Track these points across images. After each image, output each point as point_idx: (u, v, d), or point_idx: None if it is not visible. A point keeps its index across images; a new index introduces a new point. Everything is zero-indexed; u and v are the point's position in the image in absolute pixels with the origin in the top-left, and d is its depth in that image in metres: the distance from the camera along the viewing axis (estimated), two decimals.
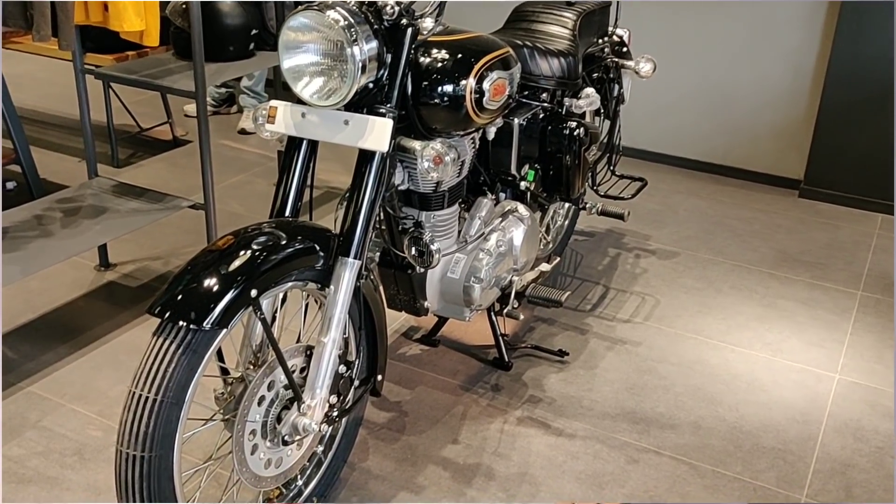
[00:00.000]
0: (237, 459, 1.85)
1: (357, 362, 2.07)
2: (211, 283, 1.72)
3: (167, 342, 1.69)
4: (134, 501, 1.68)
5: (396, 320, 3.10)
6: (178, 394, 1.68)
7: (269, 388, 1.91)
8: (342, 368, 2.01)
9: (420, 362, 2.91)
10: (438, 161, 2.05)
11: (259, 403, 1.89)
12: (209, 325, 1.68)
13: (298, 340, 2.08)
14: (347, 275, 1.95)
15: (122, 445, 1.67)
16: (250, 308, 1.77)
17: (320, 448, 2.20)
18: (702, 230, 3.97)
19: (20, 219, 2.96)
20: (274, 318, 2.04)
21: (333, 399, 2.01)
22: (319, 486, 2.20)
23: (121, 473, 1.68)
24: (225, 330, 1.73)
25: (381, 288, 2.16)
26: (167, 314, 1.68)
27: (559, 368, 2.91)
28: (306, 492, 2.17)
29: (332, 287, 1.96)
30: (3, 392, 2.68)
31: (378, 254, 2.43)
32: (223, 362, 1.96)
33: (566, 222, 3.44)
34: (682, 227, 3.99)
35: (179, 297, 1.71)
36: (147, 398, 1.66)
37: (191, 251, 3.62)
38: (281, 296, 2.01)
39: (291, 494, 2.15)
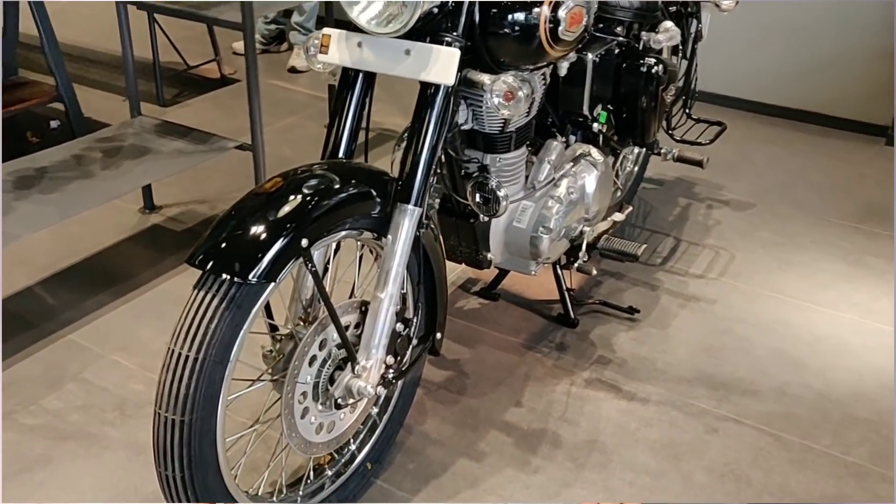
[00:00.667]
0: (286, 423, 1.69)
1: (415, 320, 1.89)
2: (257, 231, 1.54)
3: (209, 296, 1.52)
4: (173, 469, 1.53)
5: (453, 272, 2.90)
6: (222, 352, 1.51)
7: (321, 346, 1.73)
8: (399, 326, 1.83)
9: (479, 318, 2.72)
10: (510, 97, 1.83)
11: (310, 363, 1.72)
12: (255, 279, 1.50)
13: (352, 295, 1.90)
14: (406, 223, 1.76)
15: (161, 408, 1.51)
16: (300, 259, 1.59)
17: (375, 410, 2.03)
18: (780, 181, 3.70)
19: (58, 159, 2.81)
20: (326, 270, 1.86)
21: (390, 360, 1.82)
22: (374, 451, 2.04)
23: (159, 438, 1.52)
24: (273, 283, 1.56)
25: (440, 240, 1.96)
26: (209, 265, 1.51)
27: (629, 327, 2.70)
28: (360, 457, 2.01)
29: (389, 237, 1.76)
30: (43, 340, 2.56)
31: (438, 200, 2.22)
32: (271, 318, 1.79)
33: (636, 168, 3.20)
34: (759, 178, 3.72)
35: (223, 246, 1.53)
36: (188, 357, 1.49)
37: (238, 195, 3.44)
38: (333, 246, 1.83)
39: (344, 460, 1.99)
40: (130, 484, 2.06)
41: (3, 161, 2.77)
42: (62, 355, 2.50)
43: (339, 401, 1.76)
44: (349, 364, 1.75)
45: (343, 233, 1.71)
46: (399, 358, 1.86)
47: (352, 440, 2.00)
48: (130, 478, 2.08)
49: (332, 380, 1.77)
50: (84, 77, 4.58)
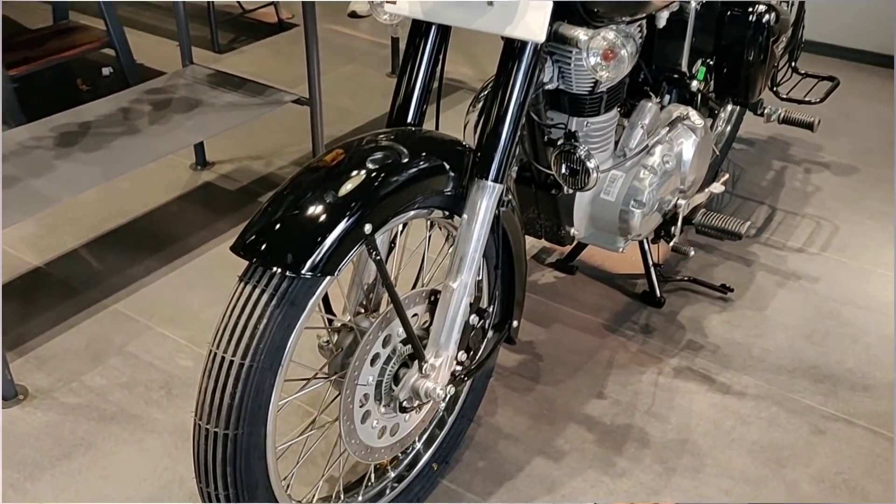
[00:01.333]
0: (344, 429, 1.49)
1: (491, 309, 1.66)
2: (314, 214, 1.32)
3: (257, 291, 1.30)
4: (216, 486, 1.33)
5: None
6: (272, 357, 1.31)
7: (385, 343, 1.52)
8: (473, 319, 1.60)
9: (556, 294, 2.48)
10: (610, 55, 1.56)
11: (372, 363, 1.50)
12: (311, 272, 1.28)
13: (418, 281, 1.67)
14: (485, 202, 1.52)
15: (202, 419, 1.31)
16: (362, 246, 1.36)
17: (442, 406, 1.81)
18: (886, 141, 3.35)
19: (104, 112, 2.62)
20: (391, 251, 1.64)
21: (462, 356, 1.60)
22: (441, 451, 1.83)
23: (200, 451, 1.33)
24: (330, 277, 1.33)
25: (519, 214, 1.72)
26: (257, 255, 1.29)
27: (721, 307, 2.43)
28: (426, 456, 1.80)
29: (464, 216, 1.53)
30: (87, 310, 2.40)
31: (516, 169, 1.98)
32: (328, 306, 1.58)
33: (728, 128, 2.89)
34: (862, 138, 3.37)
35: (273, 232, 1.31)
36: (232, 363, 1.29)
37: (295, 150, 3.24)
38: (399, 226, 1.60)
39: (408, 460, 1.79)
40: (176, 475, 1.89)
41: (49, 114, 2.59)
42: (107, 326, 2.34)
43: (405, 403, 1.55)
44: (416, 362, 1.53)
45: (411, 213, 1.48)
46: (472, 353, 1.63)
47: (417, 439, 1.79)
48: (176, 467, 1.91)
49: (396, 379, 1.56)
50: (137, 21, 4.38)
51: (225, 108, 2.70)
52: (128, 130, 2.55)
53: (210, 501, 1.36)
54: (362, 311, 1.62)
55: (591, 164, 1.77)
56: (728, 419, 2.06)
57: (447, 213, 1.56)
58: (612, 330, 2.34)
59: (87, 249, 2.68)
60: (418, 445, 1.80)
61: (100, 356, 2.23)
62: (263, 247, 1.29)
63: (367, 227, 1.34)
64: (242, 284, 1.32)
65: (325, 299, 1.56)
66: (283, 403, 1.44)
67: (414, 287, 1.66)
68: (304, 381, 1.53)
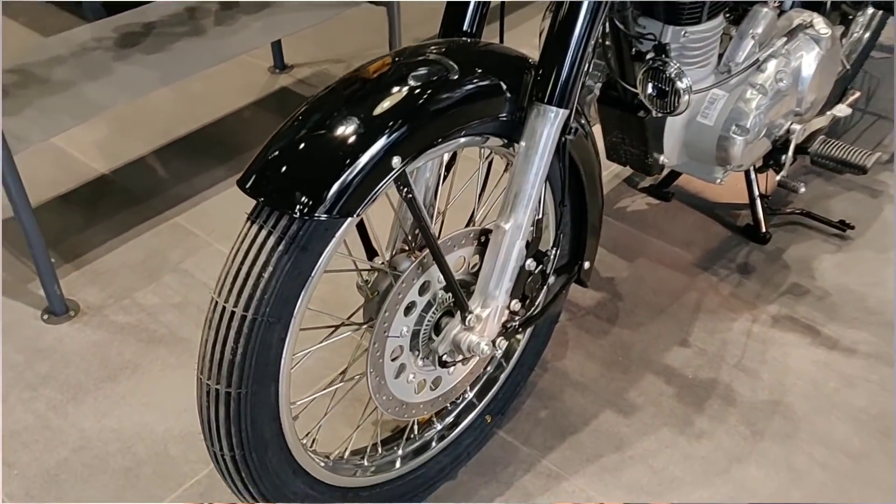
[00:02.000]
0: (373, 385, 1.32)
1: (554, 252, 1.44)
2: (331, 145, 1.12)
3: (263, 234, 1.13)
4: (220, 447, 1.20)
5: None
6: (280, 309, 1.14)
7: (423, 291, 1.33)
8: (530, 263, 1.39)
9: (644, 222, 2.22)
10: None
11: (407, 312, 1.32)
12: (325, 214, 1.09)
13: (471, 221, 1.46)
14: (545, 130, 1.28)
15: (203, 374, 1.17)
16: (390, 182, 1.16)
17: (499, 353, 1.63)
18: None
19: (169, 12, 2.46)
20: (442, 180, 1.43)
21: (516, 305, 1.40)
22: (496, 401, 1.66)
23: (202, 409, 1.19)
24: (350, 219, 1.14)
25: (593, 139, 1.47)
26: (264, 196, 1.11)
27: (837, 247, 2.13)
28: (479, 406, 1.63)
29: (521, 146, 1.30)
30: (147, 221, 2.30)
31: (599, 85, 1.71)
32: (368, 242, 1.39)
33: (866, 35, 2.50)
34: None
35: (282, 167, 1.12)
36: (233, 314, 1.13)
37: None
38: (446, 157, 1.39)
39: (458, 410, 1.62)
40: None
41: (110, 13, 2.46)
42: (165, 240, 2.24)
43: (445, 358, 1.37)
44: (458, 312, 1.34)
45: (460, 140, 1.26)
46: (529, 301, 1.43)
47: (468, 389, 1.62)
48: None
49: (437, 328, 1.38)
50: None
51: (297, 9, 2.50)
52: (193, 31, 2.39)
53: (216, 461, 1.23)
54: (406, 249, 1.43)
55: (682, 85, 1.50)
56: (831, 380, 1.80)
57: (505, 140, 1.33)
58: (704, 268, 2.08)
59: (156, 156, 2.57)
60: (470, 395, 1.62)
61: (155, 272, 2.14)
62: (270, 184, 1.11)
63: (396, 160, 1.14)
64: (249, 225, 1.15)
65: (365, 235, 1.38)
66: (302, 356, 1.29)
67: (468, 226, 1.45)
68: (331, 330, 1.36)
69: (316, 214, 1.09)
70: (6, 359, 1.91)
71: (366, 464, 1.47)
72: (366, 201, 1.14)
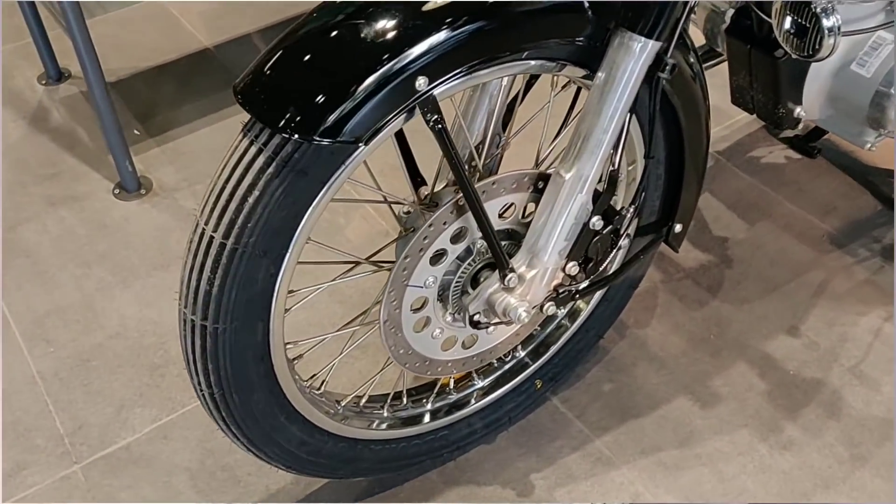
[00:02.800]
0: (386, 336, 1.14)
1: (631, 211, 1.19)
2: (342, 54, 0.91)
3: (252, 151, 0.95)
4: (199, 382, 1.06)
5: None
6: (268, 241, 0.97)
7: (457, 238, 1.12)
8: (596, 221, 1.15)
9: (777, 179, 1.90)
10: None
11: (435, 261, 1.12)
12: (324, 138, 0.90)
13: (538, 162, 1.22)
14: (629, 65, 1.03)
15: (181, 301, 1.02)
16: (416, 107, 0.95)
17: (561, 312, 1.41)
18: None
19: None
20: (511, 111, 1.20)
21: (573, 268, 1.18)
22: (551, 366, 1.45)
23: (181, 338, 1.05)
24: (362, 147, 0.94)
25: (702, 79, 1.20)
26: (255, 107, 0.92)
27: None
28: (530, 369, 1.43)
29: (600, 76, 1.05)
30: (236, 106, 2.17)
31: (731, 14, 1.41)
32: (413, 167, 1.19)
33: None
34: None
35: (282, 76, 0.92)
36: (212, 240, 0.97)
37: None
38: (505, 81, 1.15)
39: (505, 368, 1.42)
40: None
41: None
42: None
43: (476, 318, 1.17)
44: (498, 269, 1.13)
45: (517, 65, 1.02)
46: (592, 265, 1.20)
47: (519, 347, 1.42)
48: None
49: (475, 280, 1.18)
50: None
51: None
52: None
53: (198, 398, 1.09)
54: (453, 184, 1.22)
55: (827, 23, 1.18)
56: None
57: (588, 71, 1.09)
58: (840, 244, 1.76)
59: (261, 36, 2.43)
60: (521, 354, 1.42)
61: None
62: (264, 94, 0.92)
63: (421, 82, 0.92)
64: (240, 138, 0.97)
65: (410, 159, 1.18)
66: (308, 293, 1.12)
67: (537, 163, 1.22)
68: (350, 267, 1.18)
69: (312, 137, 0.90)
70: (72, 230, 1.85)
71: (385, 414, 1.31)
72: (379, 127, 0.93)
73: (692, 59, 1.17)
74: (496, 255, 1.11)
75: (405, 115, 0.95)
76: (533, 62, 1.04)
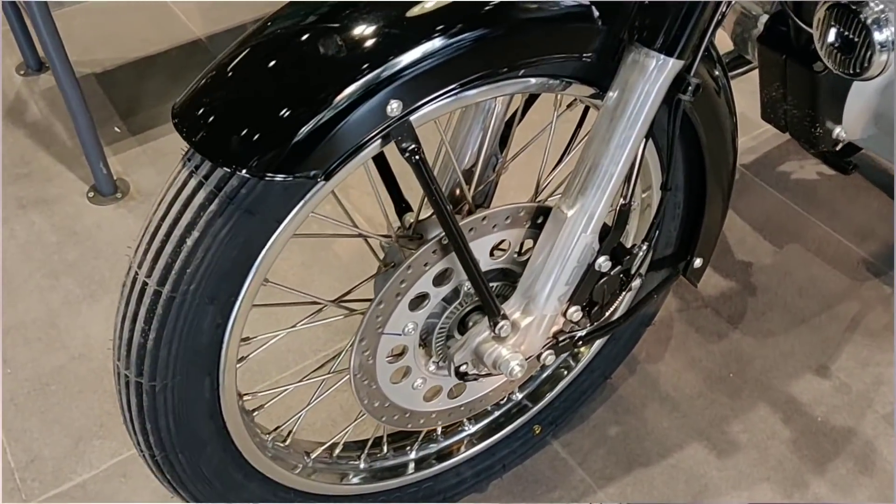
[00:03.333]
0: (358, 389, 1.00)
1: (643, 250, 1.04)
2: (297, 72, 0.76)
3: (193, 185, 0.81)
4: (139, 443, 0.92)
5: None
6: (214, 287, 0.82)
7: (441, 280, 0.97)
8: (603, 262, 1.00)
9: (809, 197, 1.74)
10: None
11: (414, 306, 0.97)
12: (275, 173, 0.75)
13: (537, 191, 1.07)
14: (644, 85, 0.88)
15: (115, 354, 0.88)
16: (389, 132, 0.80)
17: (543, 369, 1.26)
18: None
19: None
20: (507, 127, 1.05)
21: (575, 313, 1.03)
22: (551, 411, 1.30)
23: (118, 393, 0.91)
24: (322, 182, 0.79)
25: (728, 96, 1.04)
26: (194, 135, 0.77)
27: None
28: (530, 411, 1.28)
29: (610, 96, 0.90)
30: None
31: (765, 20, 1.24)
32: (395, 190, 1.05)
33: None
34: None
35: (225, 99, 0.78)
36: (145, 286, 0.82)
37: None
38: (504, 100, 1.00)
39: (498, 414, 1.27)
40: None
41: None
42: None
43: (463, 369, 1.02)
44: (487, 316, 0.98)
45: (514, 84, 0.87)
46: (597, 309, 1.05)
47: (517, 389, 1.27)
48: None
49: (462, 325, 1.03)
50: None
51: None
52: None
53: (140, 456, 0.95)
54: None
55: (880, 37, 1.01)
56: None
57: (597, 90, 0.93)
58: (877, 273, 1.60)
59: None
60: (518, 396, 1.28)
61: None
62: (205, 120, 0.77)
63: (394, 106, 0.77)
64: (180, 168, 0.82)
65: (393, 183, 1.03)
66: (268, 343, 0.98)
67: (536, 194, 1.06)
68: (316, 309, 1.03)
69: (260, 172, 0.75)
70: (41, 237, 1.72)
71: (361, 466, 1.16)
72: (342, 159, 0.78)
73: (717, 72, 1.01)
74: (485, 301, 0.96)
75: (377, 142, 0.80)
76: (533, 80, 0.89)
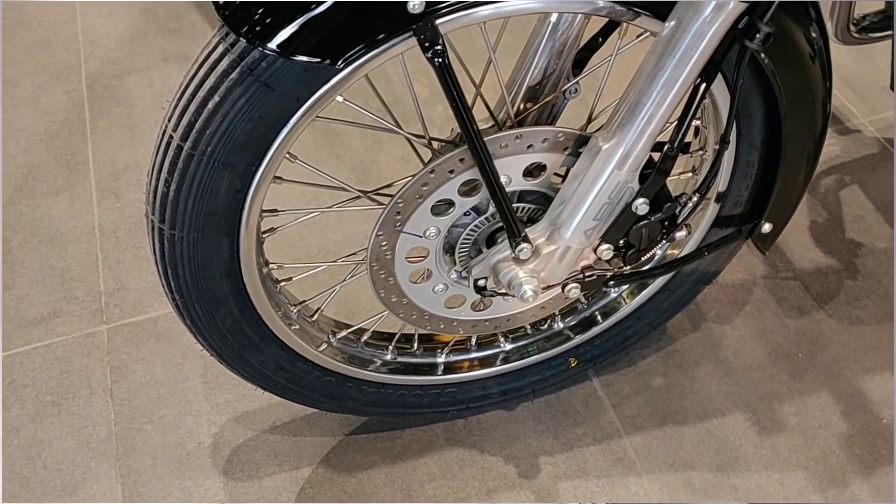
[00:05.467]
0: (376, 282, 1.02)
1: (693, 201, 0.99)
2: None
3: (220, 51, 0.84)
4: (163, 284, 0.99)
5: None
6: (232, 154, 0.86)
7: (467, 191, 0.97)
8: (640, 205, 0.96)
9: None
10: None
11: (438, 210, 0.97)
12: (288, 52, 0.77)
13: (589, 121, 1.03)
14: (697, 24, 0.83)
15: (145, 201, 0.94)
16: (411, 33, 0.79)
17: (613, 295, 1.24)
18: None
19: None
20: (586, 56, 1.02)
21: (606, 251, 1.00)
22: (592, 347, 1.28)
23: (148, 238, 0.98)
24: (344, 69, 0.80)
25: (824, 52, 0.95)
26: (225, 8, 0.80)
27: None
28: (570, 342, 1.27)
29: (662, 31, 0.85)
30: None
31: None
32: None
33: None
34: None
35: None
36: (170, 141, 0.87)
37: None
38: (577, 19, 0.96)
39: (538, 336, 1.27)
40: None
41: None
42: None
43: (481, 283, 1.02)
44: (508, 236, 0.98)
45: (571, 2, 0.84)
46: (633, 252, 1.01)
47: (559, 317, 1.26)
48: None
49: (492, 238, 1.03)
50: None
51: None
52: None
53: (167, 296, 1.02)
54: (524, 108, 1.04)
55: None
56: None
57: (648, 11, 0.89)
58: None
59: None
60: (560, 325, 1.26)
61: None
62: None
63: (415, 3, 0.76)
64: (215, 32, 0.85)
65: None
66: (297, 220, 1.01)
67: (587, 124, 1.03)
68: (351, 197, 1.04)
69: (265, 45, 0.77)
70: (172, 88, 1.83)
71: (388, 356, 1.20)
72: (361, 49, 0.79)
73: (814, 34, 0.93)
74: (506, 221, 0.95)
75: (403, 40, 0.80)
76: (602, 3, 0.85)
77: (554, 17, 0.95)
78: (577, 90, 1.04)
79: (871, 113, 1.71)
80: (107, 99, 1.80)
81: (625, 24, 0.93)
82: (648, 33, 0.93)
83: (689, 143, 1.07)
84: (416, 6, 0.76)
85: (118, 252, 1.55)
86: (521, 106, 1.03)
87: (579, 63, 1.04)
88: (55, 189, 1.64)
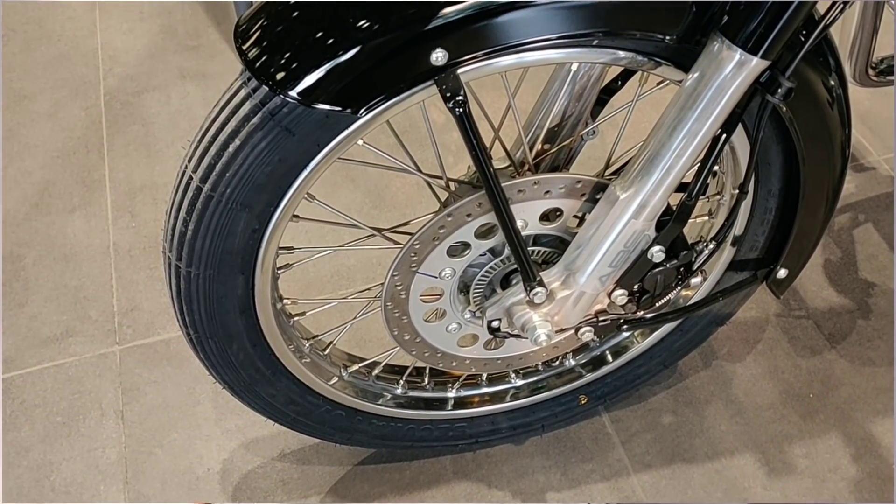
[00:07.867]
0: (389, 320, 1.02)
1: (708, 249, 0.99)
2: (362, 5, 0.77)
3: (242, 95, 0.84)
4: (178, 318, 1.00)
5: None
6: (250, 196, 0.87)
7: (483, 234, 0.97)
8: (657, 252, 0.96)
9: None
10: None
11: (453, 254, 0.98)
12: (308, 100, 0.77)
13: (609, 163, 1.03)
14: (720, 80, 0.82)
15: (163, 237, 0.95)
16: (430, 83, 0.80)
17: (625, 334, 1.24)
18: None
19: None
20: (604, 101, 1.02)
21: (621, 296, 1.00)
22: (603, 386, 1.28)
23: (164, 273, 0.98)
24: (363, 117, 0.81)
25: (842, 101, 0.95)
26: (246, 47, 0.80)
27: None
28: (582, 380, 1.27)
29: (685, 83, 0.85)
30: None
31: None
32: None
33: None
34: None
35: (283, 21, 0.80)
36: (190, 181, 0.88)
37: None
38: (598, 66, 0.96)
39: (549, 373, 1.27)
40: None
41: None
42: None
43: (494, 324, 1.02)
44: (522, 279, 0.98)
45: (589, 53, 0.84)
46: (647, 298, 1.01)
47: (571, 355, 1.26)
48: None
49: (506, 280, 1.03)
50: None
51: None
52: None
53: (182, 331, 1.03)
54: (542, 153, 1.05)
55: None
56: None
57: (672, 64, 0.89)
58: None
59: None
60: (571, 363, 1.26)
61: None
62: (260, 36, 0.79)
63: (438, 55, 0.77)
64: (237, 77, 0.86)
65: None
66: (312, 257, 1.02)
67: (605, 169, 1.03)
68: (367, 235, 1.04)
69: (287, 93, 0.77)
70: (191, 108, 1.84)
71: (399, 391, 1.20)
72: (382, 98, 0.79)
73: (833, 82, 0.93)
74: (521, 265, 0.95)
75: (424, 89, 0.80)
76: (622, 54, 0.85)
77: (574, 66, 0.95)
78: (595, 132, 1.04)
79: (886, 150, 1.71)
80: (124, 116, 1.81)
81: (643, 74, 0.93)
82: (669, 81, 0.93)
83: (707, 186, 1.07)
84: (440, 58, 0.77)
85: (132, 272, 1.55)
86: (539, 147, 1.03)
87: (598, 103, 1.05)
88: (71, 206, 1.65)
